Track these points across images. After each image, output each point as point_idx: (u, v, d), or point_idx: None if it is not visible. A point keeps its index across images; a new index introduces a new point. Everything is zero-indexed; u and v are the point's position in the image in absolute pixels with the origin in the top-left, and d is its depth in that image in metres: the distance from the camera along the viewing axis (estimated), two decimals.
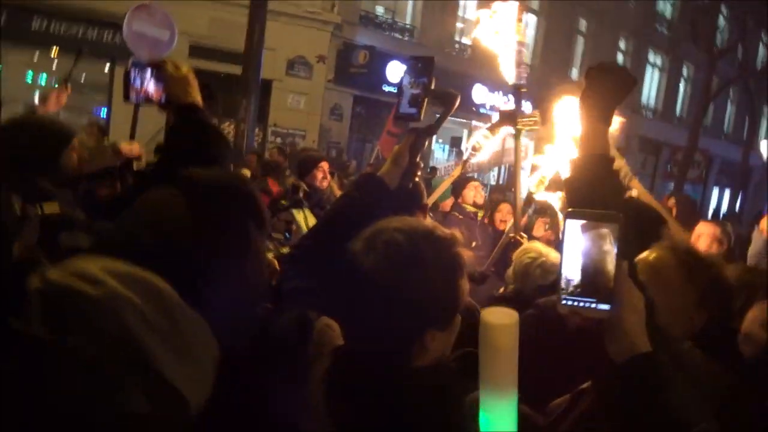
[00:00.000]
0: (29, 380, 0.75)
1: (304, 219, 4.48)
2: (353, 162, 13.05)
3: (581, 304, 1.01)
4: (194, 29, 12.21)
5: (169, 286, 0.87)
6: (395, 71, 15.49)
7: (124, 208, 0.99)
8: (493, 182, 16.04)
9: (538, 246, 2.94)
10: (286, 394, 1.19)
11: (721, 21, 21.35)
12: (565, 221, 1.05)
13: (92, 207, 2.51)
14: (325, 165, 4.93)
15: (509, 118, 2.77)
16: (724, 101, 26.72)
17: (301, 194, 4.56)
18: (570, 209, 1.06)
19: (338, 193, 5.34)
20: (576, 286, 1.01)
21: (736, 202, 24.44)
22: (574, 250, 1.02)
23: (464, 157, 3.43)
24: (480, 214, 5.92)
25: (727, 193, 27.49)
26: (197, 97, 1.77)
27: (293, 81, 14.54)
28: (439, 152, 17.73)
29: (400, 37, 16.52)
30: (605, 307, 1.00)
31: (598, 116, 1.33)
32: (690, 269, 1.70)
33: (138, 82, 1.83)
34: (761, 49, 26.59)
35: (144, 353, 0.82)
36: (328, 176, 5.04)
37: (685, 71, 25.33)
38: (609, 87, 1.34)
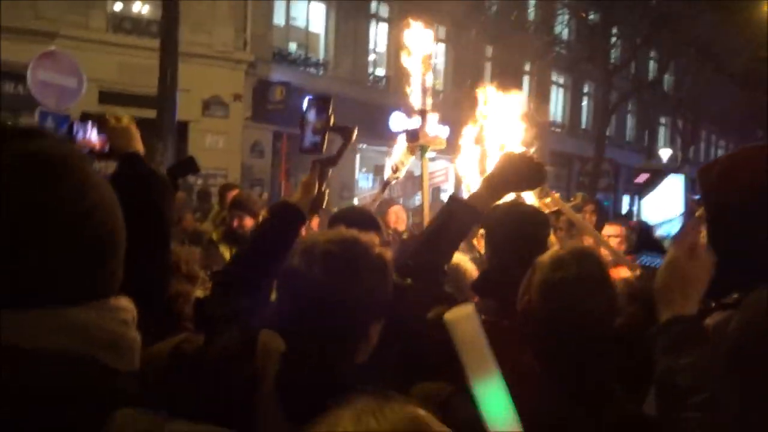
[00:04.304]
0: None
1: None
2: (264, 194, 13.05)
3: (654, 263, 1.18)
4: (103, 75, 11.94)
5: None
6: None
7: None
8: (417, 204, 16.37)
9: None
10: (240, 398, 1.29)
11: (613, 40, 22.94)
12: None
13: None
14: None
15: (412, 136, 3.00)
16: (624, 113, 28.57)
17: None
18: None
19: None
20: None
21: None
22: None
23: (385, 179, 3.59)
24: (405, 235, 6.08)
25: (636, 199, 29.17)
26: (139, 146, 1.83)
27: (210, 121, 14.42)
28: (363, 181, 17.95)
29: (315, 72, 16.75)
30: None
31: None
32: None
33: (81, 134, 1.87)
34: (651, 64, 28.72)
35: None
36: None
37: (586, 88, 26.97)
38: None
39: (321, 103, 2.15)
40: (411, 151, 3.31)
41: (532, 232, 2.31)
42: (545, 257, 1.76)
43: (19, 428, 0.81)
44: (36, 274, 0.91)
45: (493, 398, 0.90)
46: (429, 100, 2.83)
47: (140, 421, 0.78)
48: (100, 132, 1.87)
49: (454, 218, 2.00)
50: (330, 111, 2.11)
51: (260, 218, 5.00)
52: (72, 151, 1.02)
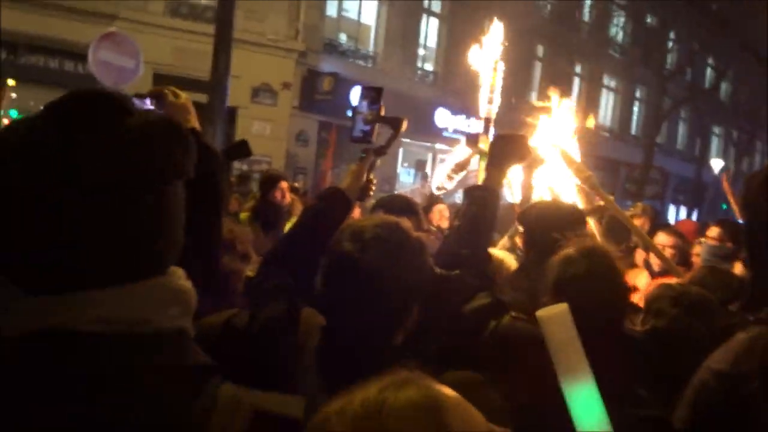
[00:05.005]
0: None
1: None
2: (302, 180, 13.23)
3: None
4: (158, 58, 12.25)
5: None
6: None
7: None
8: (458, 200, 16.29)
9: (497, 252, 3.13)
10: (284, 368, 1.36)
11: (670, 45, 22.31)
12: None
13: None
14: (283, 184, 5.35)
15: (474, 141, 3.04)
16: (676, 120, 27.79)
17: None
18: None
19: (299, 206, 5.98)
20: None
21: (692, 218, 25.26)
22: None
23: (432, 190, 3.64)
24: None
25: (683, 210, 28.37)
26: (195, 122, 1.88)
27: (258, 108, 14.64)
28: (404, 176, 17.98)
29: (363, 64, 16.83)
30: None
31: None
32: None
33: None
34: (708, 71, 27.83)
35: None
36: (288, 194, 5.45)
37: (638, 93, 26.32)
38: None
39: (373, 93, 2.22)
40: (460, 168, 3.33)
41: (564, 230, 2.34)
42: (555, 258, 1.78)
43: (131, 404, 0.81)
44: (151, 244, 0.89)
45: (585, 398, 0.88)
46: (494, 108, 2.89)
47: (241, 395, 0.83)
48: (158, 107, 1.95)
49: (476, 203, 2.12)
50: (381, 101, 2.18)
51: (287, 188, 5.25)
52: None
